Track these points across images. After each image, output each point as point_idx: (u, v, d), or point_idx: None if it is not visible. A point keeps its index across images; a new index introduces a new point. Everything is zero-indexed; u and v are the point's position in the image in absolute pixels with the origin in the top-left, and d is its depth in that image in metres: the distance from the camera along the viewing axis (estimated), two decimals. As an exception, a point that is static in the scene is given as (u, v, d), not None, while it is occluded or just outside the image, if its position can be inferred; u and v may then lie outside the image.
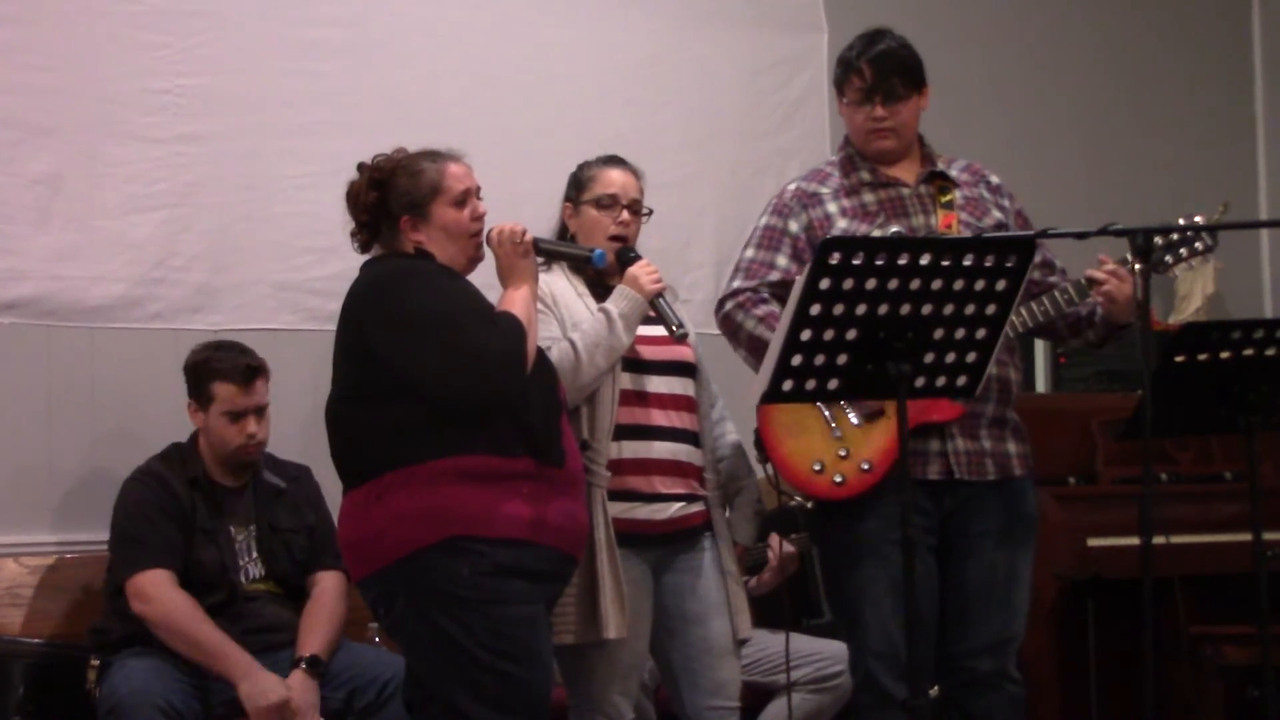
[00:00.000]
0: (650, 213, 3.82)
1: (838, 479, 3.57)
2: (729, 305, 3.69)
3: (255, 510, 4.13)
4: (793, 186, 3.76)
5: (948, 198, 3.68)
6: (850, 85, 3.67)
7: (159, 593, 3.91)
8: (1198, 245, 3.60)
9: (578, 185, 3.80)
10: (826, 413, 3.62)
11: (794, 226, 3.69)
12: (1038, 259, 3.67)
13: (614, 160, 3.82)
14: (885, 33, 3.70)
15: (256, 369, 4.13)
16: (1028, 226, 3.73)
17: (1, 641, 4.03)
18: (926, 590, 3.52)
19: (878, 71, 3.63)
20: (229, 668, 3.85)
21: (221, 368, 4.09)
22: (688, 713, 3.70)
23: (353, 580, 3.42)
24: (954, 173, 3.74)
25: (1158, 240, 3.56)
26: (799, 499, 3.82)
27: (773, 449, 3.67)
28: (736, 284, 3.70)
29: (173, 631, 3.88)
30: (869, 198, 3.67)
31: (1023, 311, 3.56)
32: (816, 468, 3.59)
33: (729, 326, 3.69)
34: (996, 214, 3.70)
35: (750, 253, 3.72)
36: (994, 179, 3.79)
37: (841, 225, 3.63)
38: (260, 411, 4.12)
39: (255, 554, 4.09)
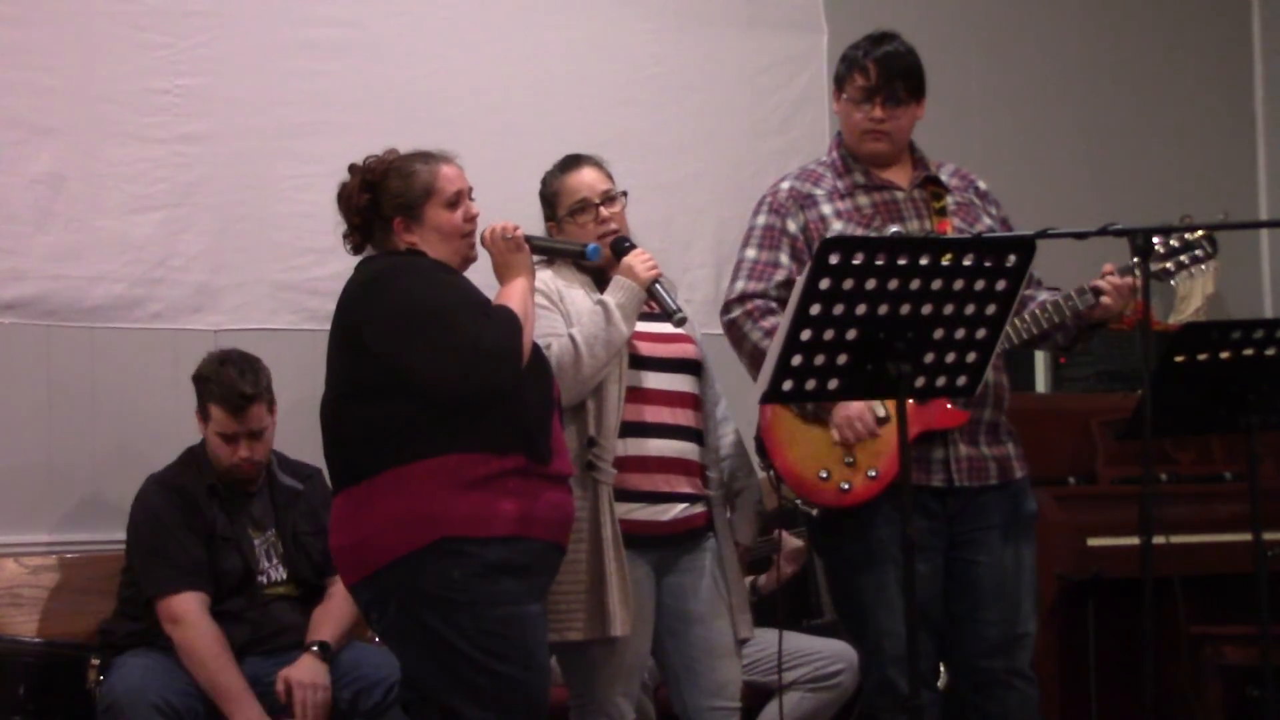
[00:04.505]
0: (625, 193, 3.76)
1: (844, 486, 3.54)
2: (737, 311, 3.63)
3: (274, 514, 4.13)
4: (786, 185, 3.73)
5: (941, 204, 3.67)
6: (852, 82, 3.65)
7: (193, 619, 3.89)
8: (1198, 253, 3.60)
9: (549, 203, 3.76)
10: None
11: (792, 227, 3.66)
12: None
13: (568, 164, 3.76)
14: (893, 36, 3.68)
15: (252, 398, 4.02)
16: None
17: (1, 641, 4.02)
18: (931, 591, 3.52)
19: (883, 72, 3.61)
20: (237, 715, 3.83)
21: (219, 391, 4.03)
22: (688, 713, 3.69)
23: (345, 585, 3.39)
24: (944, 178, 3.74)
25: (1159, 248, 3.57)
26: (802, 505, 3.78)
27: (776, 455, 3.62)
28: (742, 286, 3.64)
29: (197, 663, 3.86)
30: (864, 200, 3.66)
31: (1026, 318, 3.57)
32: (823, 475, 3.56)
33: (734, 333, 3.64)
34: (987, 220, 3.70)
35: (752, 253, 3.68)
36: (982, 185, 3.79)
37: (837, 228, 3.61)
38: (256, 435, 4.06)
39: (275, 558, 4.09)
